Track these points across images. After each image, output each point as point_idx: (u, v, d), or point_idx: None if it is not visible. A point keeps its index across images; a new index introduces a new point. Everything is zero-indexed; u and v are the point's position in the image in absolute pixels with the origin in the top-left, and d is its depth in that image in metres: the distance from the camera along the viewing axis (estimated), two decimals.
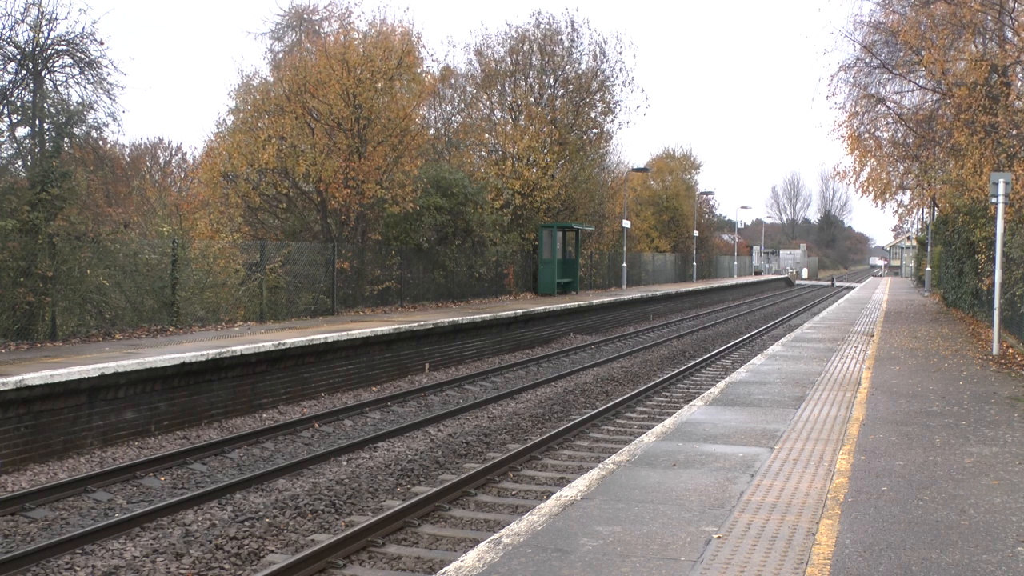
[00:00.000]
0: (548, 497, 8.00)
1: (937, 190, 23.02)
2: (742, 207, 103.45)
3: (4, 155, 16.92)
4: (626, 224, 39.85)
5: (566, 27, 32.85)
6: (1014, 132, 17.62)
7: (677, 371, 18.60)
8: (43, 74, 17.01)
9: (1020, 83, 19.09)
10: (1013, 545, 5.55)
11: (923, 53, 18.73)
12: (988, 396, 11.27)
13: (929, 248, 42.08)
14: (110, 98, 17.65)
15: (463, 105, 33.22)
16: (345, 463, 11.09)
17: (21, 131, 17.10)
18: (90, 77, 17.43)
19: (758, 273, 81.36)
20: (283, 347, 14.52)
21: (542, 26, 32.54)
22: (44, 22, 16.69)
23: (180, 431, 12.58)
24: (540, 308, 24.59)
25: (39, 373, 10.64)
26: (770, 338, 26.67)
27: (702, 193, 58.38)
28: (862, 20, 23.44)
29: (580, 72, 33.10)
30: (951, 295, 28.96)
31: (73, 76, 17.41)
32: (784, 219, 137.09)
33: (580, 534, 5.76)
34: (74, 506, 9.25)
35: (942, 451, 8.14)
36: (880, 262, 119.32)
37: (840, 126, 23.17)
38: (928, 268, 42.78)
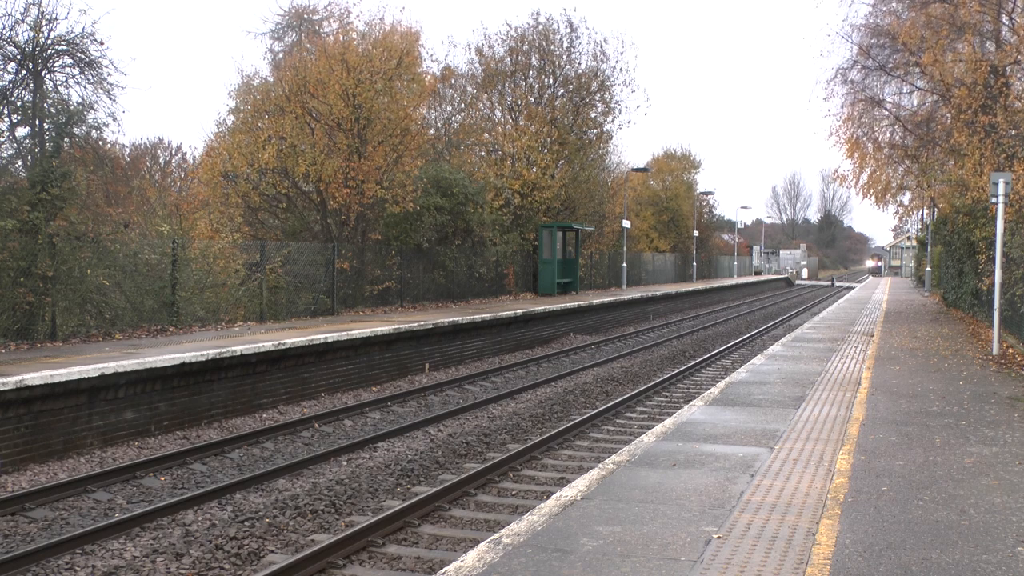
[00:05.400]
0: (548, 497, 8.01)
1: (937, 191, 23.05)
2: (742, 207, 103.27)
3: (4, 155, 16.93)
4: (626, 224, 39.85)
5: (564, 27, 32.87)
6: (1013, 132, 17.63)
7: (677, 371, 18.61)
8: (43, 74, 17.01)
9: (1019, 83, 19.10)
10: (1013, 545, 5.55)
11: (921, 55, 18.75)
12: (988, 396, 11.27)
13: (929, 248, 42.10)
14: (110, 98, 17.67)
15: (463, 105, 33.23)
16: (345, 463, 11.09)
17: (21, 131, 17.12)
18: (90, 77, 17.45)
19: (758, 273, 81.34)
20: (283, 347, 14.52)
21: (540, 26, 32.55)
22: (44, 22, 16.69)
23: (180, 431, 12.58)
24: (540, 308, 24.59)
25: (39, 373, 10.64)
26: (770, 338, 26.67)
27: (702, 193, 58.34)
28: (859, 23, 23.48)
29: (580, 72, 33.09)
30: (951, 295, 28.97)
31: (73, 76, 17.43)
32: (784, 219, 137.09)
33: (580, 534, 5.76)
34: (74, 506, 9.25)
35: (942, 451, 8.15)
36: (873, 263, 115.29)
37: (837, 130, 23.23)
38: (928, 268, 42.80)
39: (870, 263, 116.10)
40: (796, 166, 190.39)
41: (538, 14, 33.36)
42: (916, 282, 53.88)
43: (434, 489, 9.39)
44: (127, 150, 32.92)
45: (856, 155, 22.98)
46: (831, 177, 25.98)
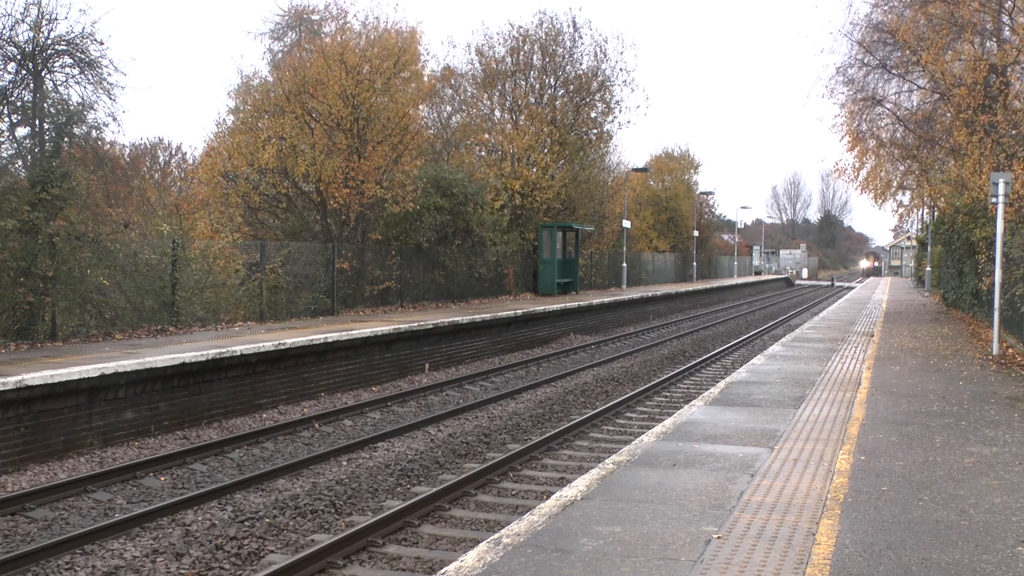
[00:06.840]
0: (548, 497, 8.01)
1: (936, 190, 23.03)
2: (742, 207, 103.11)
3: (4, 155, 16.92)
4: (626, 224, 39.85)
5: (568, 27, 32.88)
6: (1013, 132, 17.62)
7: (677, 371, 18.60)
8: (43, 74, 17.00)
9: (1019, 83, 19.09)
10: (1013, 545, 5.55)
11: (922, 53, 18.74)
12: (988, 396, 11.27)
13: (929, 248, 42.10)
14: (110, 98, 17.67)
15: (463, 105, 33.24)
16: (345, 463, 11.09)
17: (21, 131, 17.11)
18: (90, 77, 17.44)
19: (758, 273, 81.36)
20: (283, 347, 14.51)
21: (544, 25, 32.57)
22: (44, 22, 16.69)
23: (180, 431, 12.58)
24: (540, 308, 24.58)
25: (39, 373, 10.64)
26: (770, 338, 26.67)
27: (702, 193, 58.34)
28: (860, 20, 23.48)
29: (581, 72, 33.11)
30: (951, 295, 28.97)
31: (73, 76, 17.43)
32: (784, 219, 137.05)
33: (580, 534, 5.76)
34: (74, 506, 9.25)
35: (942, 451, 8.14)
36: (868, 263, 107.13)
37: (839, 124, 23.22)
38: (928, 268, 42.80)
39: (865, 263, 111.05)
40: (796, 166, 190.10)
41: (543, 13, 33.41)
42: (916, 282, 53.87)
43: (434, 489, 9.39)
44: (127, 150, 32.97)
45: (857, 149, 22.95)
46: (831, 170, 25.81)
